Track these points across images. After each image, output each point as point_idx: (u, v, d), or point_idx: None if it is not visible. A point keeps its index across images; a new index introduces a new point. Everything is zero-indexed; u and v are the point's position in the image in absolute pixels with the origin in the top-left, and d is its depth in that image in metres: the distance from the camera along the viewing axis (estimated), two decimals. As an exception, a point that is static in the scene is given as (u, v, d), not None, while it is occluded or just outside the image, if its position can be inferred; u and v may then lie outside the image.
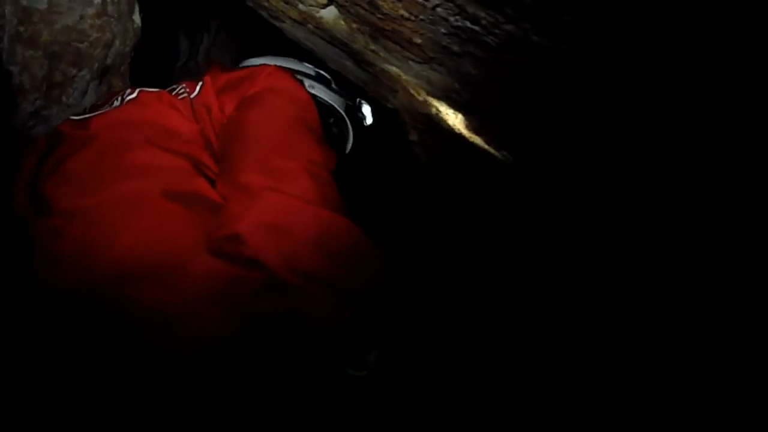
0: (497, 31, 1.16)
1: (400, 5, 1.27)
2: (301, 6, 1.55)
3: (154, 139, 1.23)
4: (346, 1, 1.41)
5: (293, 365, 1.23)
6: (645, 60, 1.05)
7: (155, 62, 2.18)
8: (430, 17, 1.25)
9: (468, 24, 1.19)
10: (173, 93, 1.43)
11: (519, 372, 1.87)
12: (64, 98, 1.68)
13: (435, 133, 1.80)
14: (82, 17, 1.64)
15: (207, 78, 1.46)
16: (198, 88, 1.44)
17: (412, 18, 1.30)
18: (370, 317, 1.29)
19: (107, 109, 1.36)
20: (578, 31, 1.06)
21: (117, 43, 1.73)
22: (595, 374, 1.76)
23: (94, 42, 1.68)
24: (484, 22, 1.15)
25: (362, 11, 1.40)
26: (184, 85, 1.48)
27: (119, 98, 1.40)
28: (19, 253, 1.14)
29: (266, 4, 1.70)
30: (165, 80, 2.39)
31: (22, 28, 1.51)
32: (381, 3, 1.30)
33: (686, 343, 1.53)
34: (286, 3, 1.59)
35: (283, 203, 1.16)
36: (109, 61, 1.74)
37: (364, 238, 1.23)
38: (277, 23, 1.82)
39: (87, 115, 1.36)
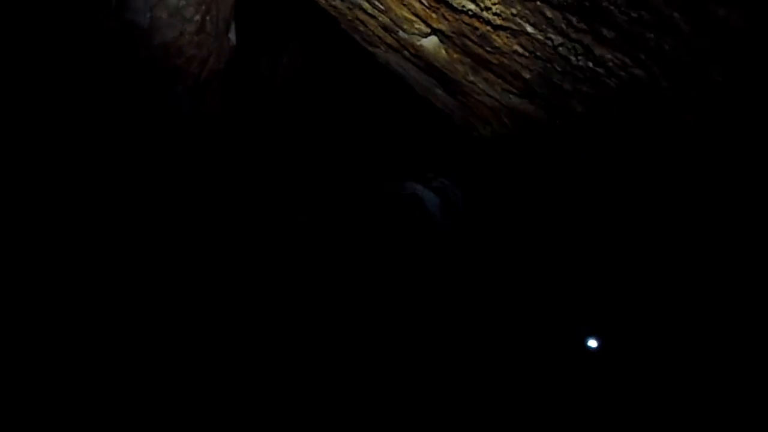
0: (623, 74, 1.12)
1: (515, 41, 1.23)
2: (401, 33, 1.53)
3: None
4: (453, 32, 1.38)
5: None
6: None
7: (241, 79, 2.20)
8: (549, 55, 1.21)
9: (590, 65, 1.14)
10: None
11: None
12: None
13: (521, 161, 1.76)
14: (181, 33, 1.66)
15: None
16: None
17: (526, 54, 1.26)
18: None
19: None
20: (716, 84, 1.00)
21: (212, 60, 1.75)
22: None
23: (190, 58, 1.70)
24: (610, 64, 1.10)
25: (469, 43, 1.36)
26: None
27: None
28: None
29: (362, 28, 1.68)
30: (250, 99, 2.43)
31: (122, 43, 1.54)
32: (494, 37, 1.27)
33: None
34: (385, 30, 1.58)
35: None
36: (203, 77, 1.75)
37: None
38: (370, 48, 1.80)
39: None
